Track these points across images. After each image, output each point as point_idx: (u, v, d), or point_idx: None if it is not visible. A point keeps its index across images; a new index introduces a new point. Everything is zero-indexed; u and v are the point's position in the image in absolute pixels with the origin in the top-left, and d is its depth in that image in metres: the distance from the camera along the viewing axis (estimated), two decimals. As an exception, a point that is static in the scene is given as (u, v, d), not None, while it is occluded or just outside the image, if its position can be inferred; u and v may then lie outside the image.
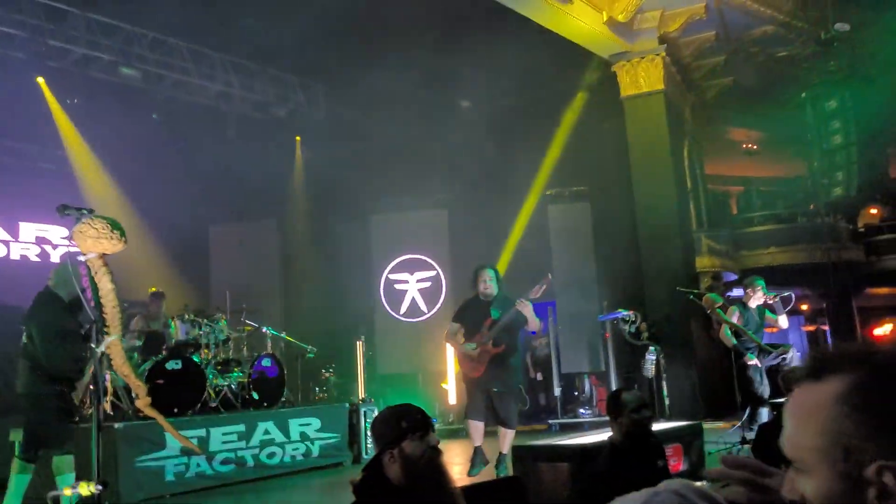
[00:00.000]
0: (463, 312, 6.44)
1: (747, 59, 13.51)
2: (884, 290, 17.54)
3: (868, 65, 12.74)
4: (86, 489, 2.65)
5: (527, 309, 5.96)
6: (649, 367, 6.89)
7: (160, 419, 3.50)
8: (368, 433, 8.34)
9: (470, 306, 6.40)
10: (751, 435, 6.79)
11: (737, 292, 15.67)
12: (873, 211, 18.62)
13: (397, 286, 13.16)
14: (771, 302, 7.62)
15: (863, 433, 0.89)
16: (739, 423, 7.53)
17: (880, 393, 0.89)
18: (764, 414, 7.26)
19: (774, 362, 7.43)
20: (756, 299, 7.61)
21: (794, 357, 7.47)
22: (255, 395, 8.30)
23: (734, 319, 7.54)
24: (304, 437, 8.16)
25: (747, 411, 7.39)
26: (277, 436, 7.92)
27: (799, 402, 0.96)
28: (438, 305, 12.85)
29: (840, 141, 13.09)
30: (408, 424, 2.55)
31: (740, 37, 12.75)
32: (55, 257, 12.52)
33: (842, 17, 12.05)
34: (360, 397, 9.66)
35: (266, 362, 8.61)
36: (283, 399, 8.69)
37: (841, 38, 12.14)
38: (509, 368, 6.20)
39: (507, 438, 6.10)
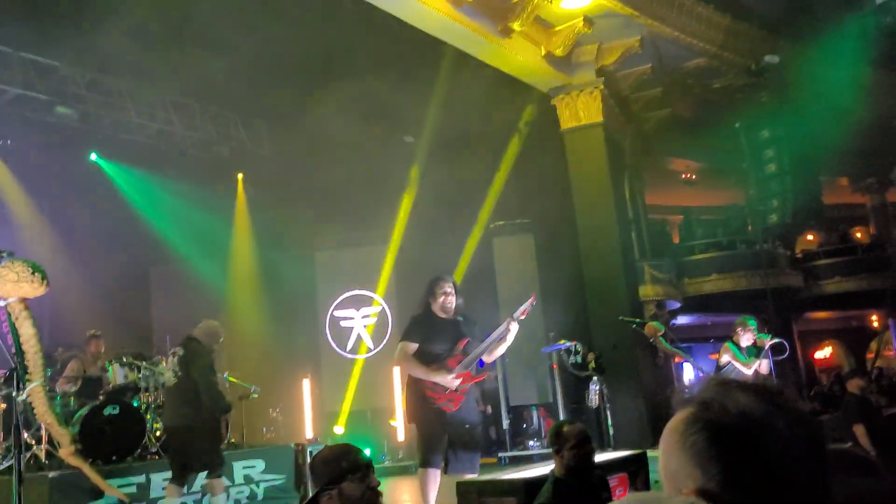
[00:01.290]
0: (421, 330, 5.30)
1: (683, 90, 13.93)
2: (823, 315, 18.07)
3: (798, 95, 13.24)
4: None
5: (513, 332, 5.21)
6: (593, 398, 6.93)
7: (85, 468, 3.38)
8: (312, 473, 8.18)
9: (429, 323, 5.33)
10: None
11: (682, 320, 15.97)
12: (810, 237, 19.25)
13: (343, 323, 13.04)
14: (763, 346, 7.54)
15: (682, 462, 0.99)
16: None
17: (693, 429, 0.99)
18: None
19: None
20: (746, 339, 7.53)
21: None
22: (197, 439, 8.06)
23: (725, 358, 7.51)
24: (248, 479, 7.98)
25: None
26: (221, 480, 7.70)
27: (664, 431, 1.06)
28: (385, 341, 12.76)
29: (774, 169, 13.54)
30: (347, 465, 2.54)
31: (675, 69, 13.15)
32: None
33: (771, 49, 12.54)
34: (308, 437, 9.48)
35: (208, 405, 8.39)
36: (226, 442, 8.47)
37: (771, 70, 12.61)
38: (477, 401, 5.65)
39: None
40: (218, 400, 6.36)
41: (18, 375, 3.10)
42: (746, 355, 7.42)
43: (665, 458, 1.02)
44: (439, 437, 5.15)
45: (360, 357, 12.84)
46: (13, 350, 3.14)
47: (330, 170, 12.24)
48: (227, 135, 13.37)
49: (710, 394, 1.01)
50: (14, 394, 3.16)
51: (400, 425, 11.68)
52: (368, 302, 12.97)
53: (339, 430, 11.84)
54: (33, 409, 3.30)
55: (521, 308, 5.22)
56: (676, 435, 1.00)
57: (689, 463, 0.97)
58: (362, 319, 12.94)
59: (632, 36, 11.86)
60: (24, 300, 3.15)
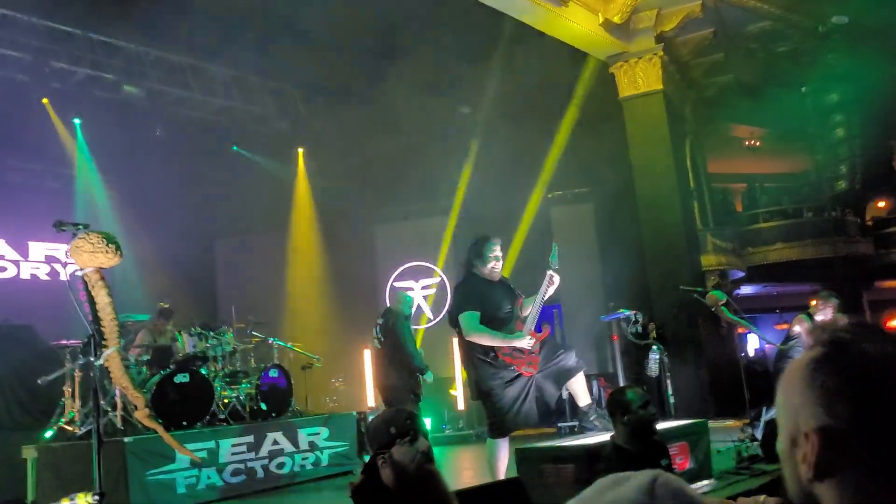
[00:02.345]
0: (480, 297, 5.07)
1: (746, 55, 13.51)
2: (894, 283, 17.46)
3: (868, 56, 12.71)
4: (83, 500, 2.70)
5: (556, 283, 5.14)
6: (653, 367, 6.88)
7: (160, 430, 3.54)
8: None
9: (484, 288, 5.12)
10: (759, 433, 6.78)
11: (746, 290, 15.65)
12: (881, 204, 18.55)
13: (403, 293, 13.19)
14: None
15: (806, 400, 0.96)
16: (749, 421, 7.52)
17: (826, 369, 0.96)
18: (773, 411, 7.22)
19: None
20: (823, 314, 7.40)
21: None
22: (264, 406, 8.32)
23: (797, 329, 7.42)
24: (313, 446, 8.19)
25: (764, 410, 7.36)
26: (286, 446, 7.94)
27: (788, 368, 1.04)
28: (444, 311, 12.87)
29: (842, 134, 13.11)
30: (396, 430, 2.61)
31: (738, 33, 12.75)
32: (64, 276, 12.64)
33: (839, 10, 12.04)
34: (369, 405, 9.68)
35: (273, 373, 8.65)
36: (291, 409, 8.73)
37: (839, 31, 12.13)
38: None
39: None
40: (415, 360, 7.88)
41: (96, 342, 3.25)
42: None
43: (787, 395, 1.01)
44: (517, 408, 4.98)
45: (420, 327, 13.00)
46: (90, 318, 3.29)
47: (389, 143, 12.34)
48: (287, 109, 13.58)
49: (847, 335, 0.98)
50: (91, 359, 3.32)
51: (460, 394, 11.81)
52: (428, 273, 13.09)
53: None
54: (109, 374, 3.46)
55: (553, 261, 5.17)
56: (805, 372, 0.98)
57: (816, 402, 0.95)
58: (422, 290, 13.08)
59: (692, 0, 11.54)
60: (99, 270, 3.30)
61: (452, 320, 5.16)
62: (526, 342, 4.97)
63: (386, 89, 11.59)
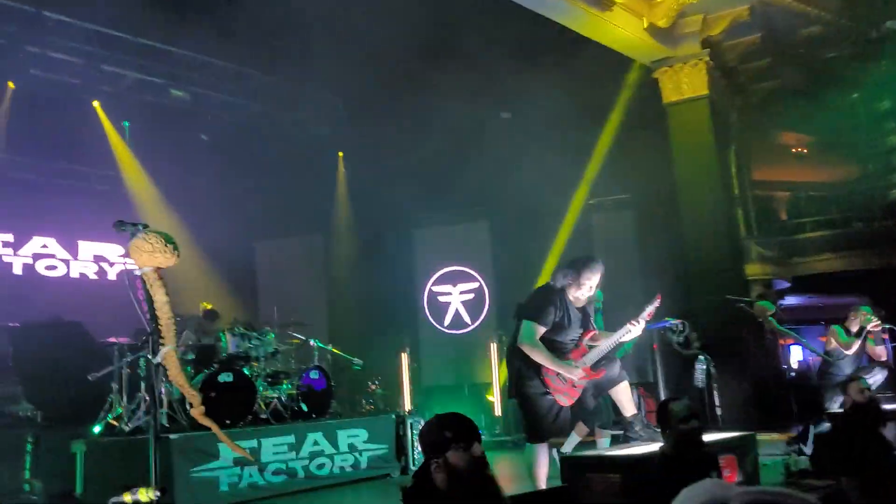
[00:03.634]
0: (554, 315, 4.93)
1: (794, 60, 13.26)
2: (945, 296, 16.97)
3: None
4: (145, 495, 2.74)
5: (636, 332, 5.00)
6: (700, 377, 6.77)
7: (214, 428, 3.58)
8: (416, 444, 8.37)
9: (564, 308, 4.97)
10: (808, 447, 6.64)
11: (790, 300, 15.34)
12: (933, 214, 18.04)
13: (441, 298, 13.20)
14: (874, 329, 7.47)
15: None
16: (795, 435, 7.38)
17: None
18: (823, 426, 7.09)
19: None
20: (856, 325, 7.45)
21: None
22: (304, 407, 8.40)
23: (834, 343, 7.46)
24: (352, 448, 8.23)
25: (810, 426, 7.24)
26: (326, 447, 8.00)
27: None
28: (482, 317, 12.85)
29: (895, 142, 12.77)
30: (452, 434, 2.57)
31: (786, 38, 12.52)
32: (112, 275, 12.90)
33: (893, 14, 11.76)
34: (406, 409, 9.69)
35: (314, 374, 8.72)
36: (330, 411, 8.78)
37: (893, 37, 11.85)
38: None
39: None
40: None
41: (154, 340, 3.30)
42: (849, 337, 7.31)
43: None
44: (553, 417, 4.97)
45: (458, 332, 12.99)
46: (148, 316, 3.35)
47: (429, 147, 12.35)
48: (327, 114, 13.70)
49: None
50: (148, 356, 3.37)
51: (497, 401, 11.77)
52: (466, 278, 13.08)
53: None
54: (166, 372, 3.51)
55: (647, 309, 5.04)
56: None
57: None
58: (460, 295, 13.07)
59: (740, 5, 11.38)
60: (157, 269, 3.35)
61: (518, 314, 5.07)
62: (576, 373, 4.88)
63: (426, 93, 11.60)
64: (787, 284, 13.67)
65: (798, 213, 15.85)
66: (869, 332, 7.54)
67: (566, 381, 4.92)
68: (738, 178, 13.15)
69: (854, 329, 7.55)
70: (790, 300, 15.04)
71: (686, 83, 11.74)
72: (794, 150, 16.98)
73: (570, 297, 5.02)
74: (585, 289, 5.00)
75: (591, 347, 5.03)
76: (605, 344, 5.00)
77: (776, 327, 7.47)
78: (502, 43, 11.08)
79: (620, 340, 5.04)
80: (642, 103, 12.18)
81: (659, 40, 11.44)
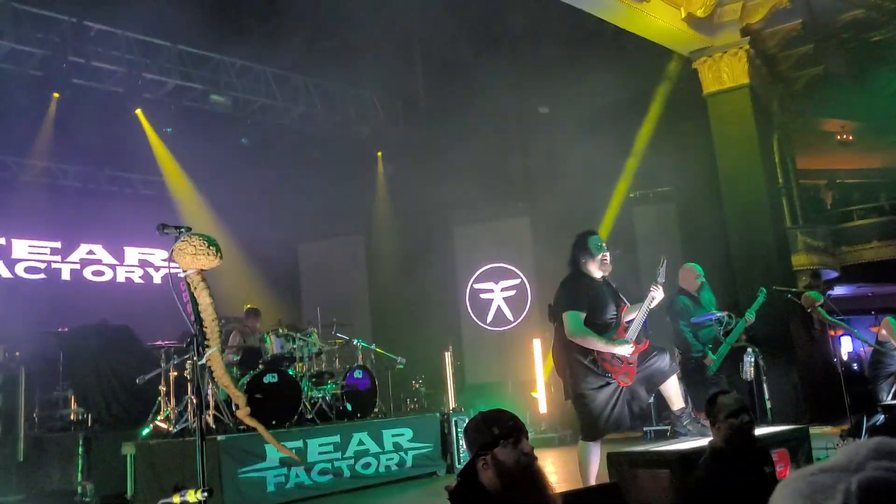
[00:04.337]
0: (587, 297, 4.93)
1: (837, 46, 12.95)
2: None
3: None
4: (193, 496, 2.77)
5: (658, 297, 5.03)
6: (748, 370, 6.63)
7: (260, 428, 3.60)
8: (461, 442, 8.36)
9: (592, 288, 4.97)
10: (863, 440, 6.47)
11: (839, 290, 14.99)
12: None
13: (482, 295, 13.17)
14: None
15: None
16: (848, 427, 7.20)
17: None
18: (877, 417, 6.90)
19: None
20: None
21: None
22: (349, 407, 8.43)
23: (884, 333, 7.24)
24: (397, 447, 8.24)
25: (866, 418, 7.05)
26: (372, 446, 8.02)
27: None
28: (524, 313, 12.79)
29: (943, 127, 12.40)
30: (500, 431, 2.52)
31: (829, 23, 12.23)
32: (157, 279, 13.15)
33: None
34: (451, 407, 9.68)
35: (358, 374, 8.75)
36: (375, 410, 8.81)
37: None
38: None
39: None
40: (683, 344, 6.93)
41: (199, 342, 3.33)
42: None
43: None
44: (609, 412, 4.88)
45: (500, 329, 12.94)
46: (193, 318, 3.38)
47: (465, 144, 12.33)
48: (366, 114, 13.76)
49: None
50: (195, 359, 3.40)
51: (542, 397, 11.70)
52: (508, 275, 13.03)
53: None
54: (211, 373, 3.54)
55: (660, 272, 5.09)
56: None
57: None
58: (501, 292, 13.03)
59: (781, -10, 11.14)
60: (201, 272, 3.38)
61: (554, 315, 5.04)
62: (628, 349, 4.84)
63: (465, 90, 11.58)
64: (835, 274, 13.37)
65: (845, 202, 15.51)
66: None
67: (622, 361, 4.87)
68: (781, 168, 12.90)
69: None
70: (839, 290, 14.71)
71: (726, 73, 11.52)
72: (838, 137, 16.60)
73: (594, 272, 5.03)
74: (600, 255, 5.02)
75: (628, 323, 5.04)
76: (639, 316, 5.01)
77: (825, 318, 7.27)
78: (542, 38, 11.04)
79: (650, 306, 5.03)
80: (683, 94, 11.99)
81: (697, 30, 11.25)
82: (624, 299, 5.16)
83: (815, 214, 14.27)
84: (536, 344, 11.67)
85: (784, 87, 13.65)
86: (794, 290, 8.39)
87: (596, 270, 5.04)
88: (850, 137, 16.88)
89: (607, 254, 5.09)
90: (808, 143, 15.78)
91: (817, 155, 16.69)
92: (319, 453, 7.60)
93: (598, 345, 4.83)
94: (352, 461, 7.83)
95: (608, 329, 4.94)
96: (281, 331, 8.59)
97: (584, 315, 4.87)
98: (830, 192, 16.63)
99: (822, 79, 13.76)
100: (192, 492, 2.74)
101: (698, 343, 6.76)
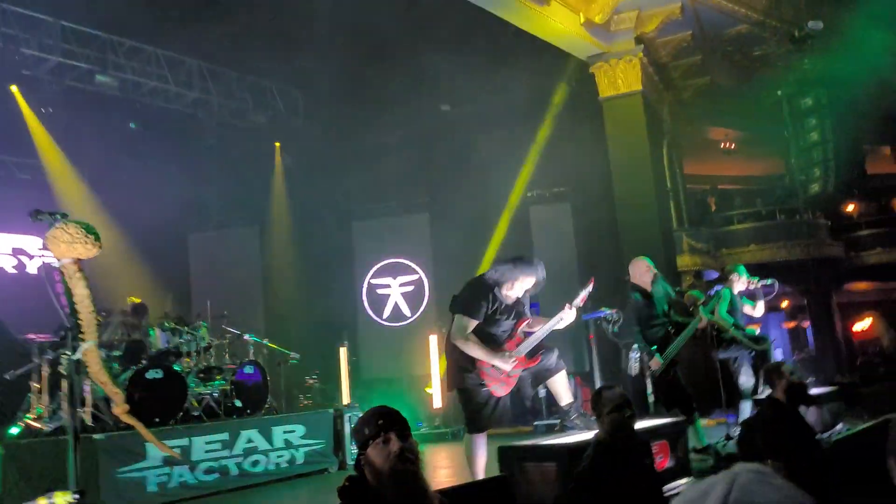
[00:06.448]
0: (486, 308, 4.86)
1: (724, 58, 13.63)
2: (863, 286, 17.71)
3: (842, 62, 12.86)
4: (62, 499, 2.60)
5: (569, 318, 4.95)
6: (633, 366, 6.89)
7: (139, 427, 3.44)
8: (353, 438, 8.28)
9: (495, 302, 4.90)
10: (734, 431, 6.82)
11: (718, 289, 15.75)
12: (851, 207, 18.81)
13: (380, 291, 13.12)
14: (753, 288, 7.62)
15: None
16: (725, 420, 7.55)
17: None
18: (746, 408, 7.24)
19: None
20: (739, 285, 7.58)
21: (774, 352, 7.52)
22: (238, 403, 8.22)
23: (725, 307, 7.54)
24: (288, 444, 8.09)
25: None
26: (261, 443, 7.84)
27: None
28: (421, 309, 12.82)
29: (816, 138, 13.21)
30: (369, 431, 2.53)
31: (716, 36, 12.87)
32: (32, 268, 12.36)
33: (815, 16, 12.18)
34: (345, 403, 9.59)
35: (248, 369, 8.54)
36: (266, 406, 8.62)
37: (814, 37, 12.25)
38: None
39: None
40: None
41: (73, 335, 3.15)
42: (740, 304, 7.45)
43: None
44: (492, 408, 4.93)
45: (397, 325, 12.93)
46: (67, 310, 3.19)
47: (365, 138, 12.24)
48: (264, 103, 13.42)
49: None
50: (68, 353, 3.21)
51: (436, 393, 11.76)
52: (406, 270, 13.02)
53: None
54: (86, 368, 3.35)
55: (581, 294, 5.03)
56: None
57: None
58: (399, 287, 13.01)
59: (672, 2, 11.62)
60: (77, 261, 3.19)
61: (453, 308, 5.02)
62: (508, 364, 4.83)
63: (367, 86, 11.48)
64: (716, 275, 14.02)
65: (727, 207, 16.32)
66: (748, 292, 7.77)
67: (501, 372, 4.88)
68: (670, 172, 13.45)
69: (736, 292, 7.73)
70: (719, 289, 15.44)
71: (621, 79, 11.93)
72: (722, 146, 17.48)
73: (504, 294, 4.96)
74: (517, 289, 4.95)
75: (526, 336, 5.00)
76: (541, 331, 4.96)
77: (706, 316, 7.61)
78: (444, 37, 11.04)
79: (555, 327, 4.99)
80: (580, 98, 12.32)
81: (595, 36, 11.60)
82: (526, 312, 5.12)
83: (699, 218, 14.94)
84: (433, 340, 11.73)
85: (674, 95, 14.24)
86: (677, 289, 8.75)
87: (504, 291, 4.95)
88: (733, 146, 17.78)
89: (528, 294, 5.01)
90: (695, 150, 16.51)
91: (703, 161, 17.50)
92: (206, 451, 7.36)
93: (478, 353, 4.82)
94: (240, 459, 7.63)
95: (496, 342, 4.93)
96: (167, 324, 8.28)
97: (473, 323, 4.85)
98: (713, 197, 17.47)
99: (709, 89, 14.43)
100: (60, 494, 2.58)
101: (643, 343, 6.89)
